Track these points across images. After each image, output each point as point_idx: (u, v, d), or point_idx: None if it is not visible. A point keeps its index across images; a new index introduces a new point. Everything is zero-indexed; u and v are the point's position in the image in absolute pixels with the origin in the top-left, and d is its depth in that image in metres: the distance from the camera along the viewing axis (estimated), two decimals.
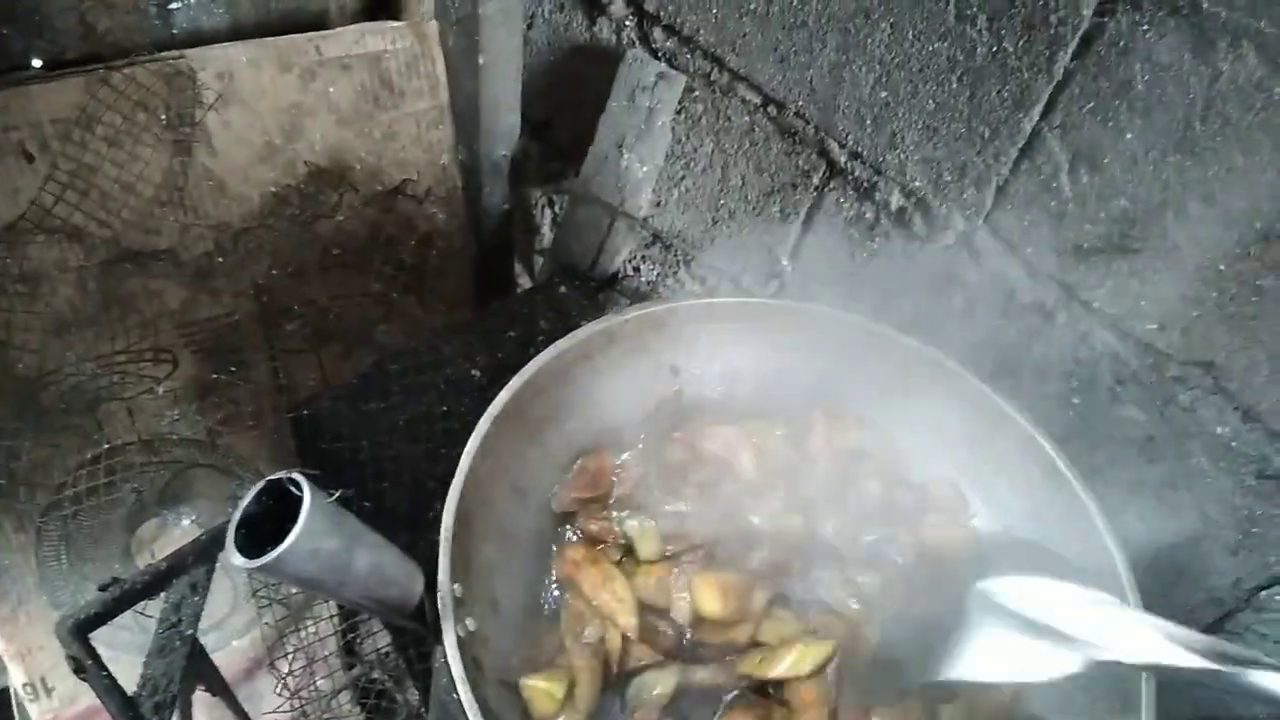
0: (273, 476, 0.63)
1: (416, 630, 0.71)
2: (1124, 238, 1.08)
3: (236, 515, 0.62)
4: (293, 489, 0.62)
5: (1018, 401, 0.95)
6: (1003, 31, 1.10)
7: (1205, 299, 1.04)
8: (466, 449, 0.80)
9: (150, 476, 1.48)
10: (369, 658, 1.50)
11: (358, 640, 1.51)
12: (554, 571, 0.89)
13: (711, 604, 0.85)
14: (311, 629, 1.47)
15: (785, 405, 1.02)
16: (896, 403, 1.00)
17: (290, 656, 1.42)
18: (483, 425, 0.82)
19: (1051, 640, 0.71)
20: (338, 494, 0.63)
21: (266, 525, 0.62)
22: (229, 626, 1.56)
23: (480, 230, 1.61)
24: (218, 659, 1.30)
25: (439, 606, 0.71)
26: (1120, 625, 0.72)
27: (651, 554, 0.88)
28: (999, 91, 1.12)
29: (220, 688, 1.29)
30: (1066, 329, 1.19)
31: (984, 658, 0.75)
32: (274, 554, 0.59)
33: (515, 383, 0.85)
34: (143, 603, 1.14)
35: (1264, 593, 1.19)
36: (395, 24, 1.42)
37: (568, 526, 0.93)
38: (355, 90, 1.40)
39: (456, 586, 0.73)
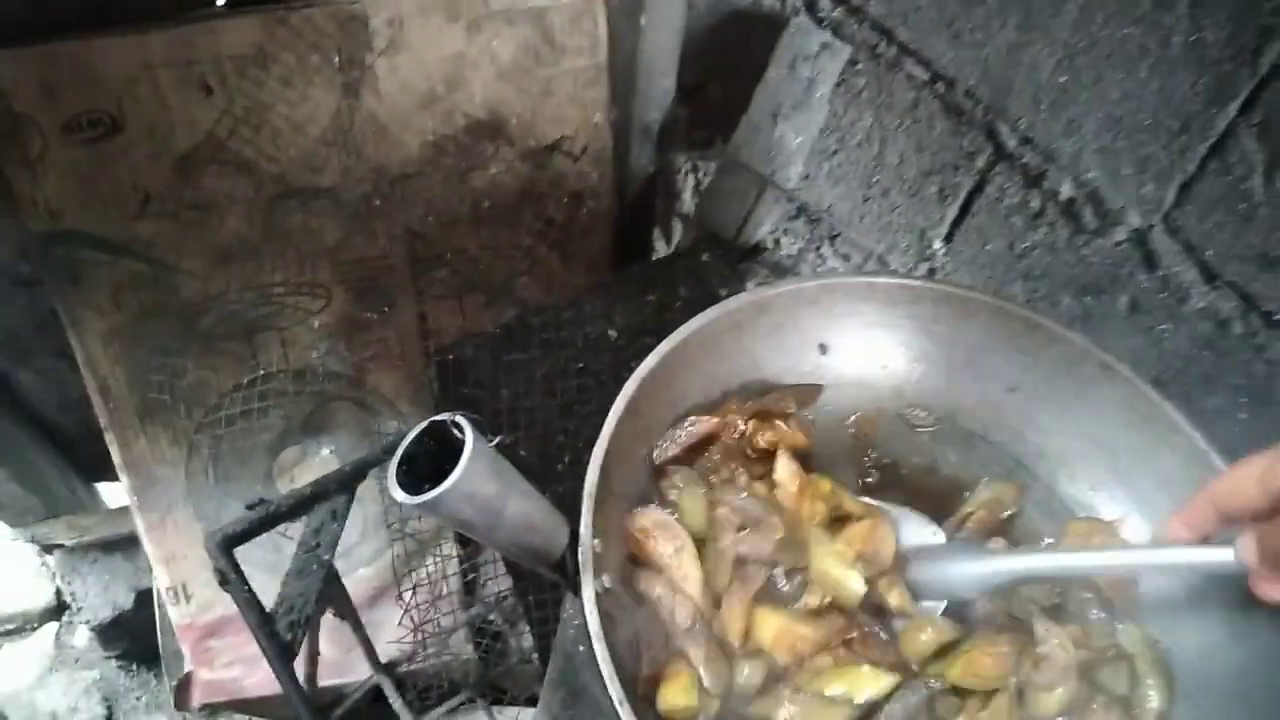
0: (437, 417, 0.64)
1: (558, 580, 0.72)
2: None
3: (399, 451, 0.64)
4: (455, 431, 0.63)
5: (1188, 413, 0.90)
6: (1204, 19, 1.02)
7: None
8: (614, 408, 0.80)
9: (297, 405, 1.54)
10: (488, 599, 1.55)
11: (479, 581, 1.56)
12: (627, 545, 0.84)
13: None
14: (435, 566, 1.52)
15: (933, 395, 0.99)
16: (1055, 402, 0.95)
17: (415, 589, 1.47)
18: (630, 386, 0.82)
19: None
20: (498, 439, 0.64)
21: (425, 463, 0.64)
22: (357, 555, 1.63)
23: (624, 192, 1.61)
24: (348, 585, 1.36)
25: (580, 560, 0.72)
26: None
27: (695, 526, 0.86)
28: (1194, 84, 1.05)
29: (348, 612, 1.34)
30: (1241, 340, 1.12)
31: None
32: (435, 492, 0.60)
33: (664, 347, 0.85)
34: (285, 525, 1.19)
35: None
36: None
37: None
38: (518, 44, 1.41)
39: (597, 542, 0.74)
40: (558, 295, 1.39)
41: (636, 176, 1.64)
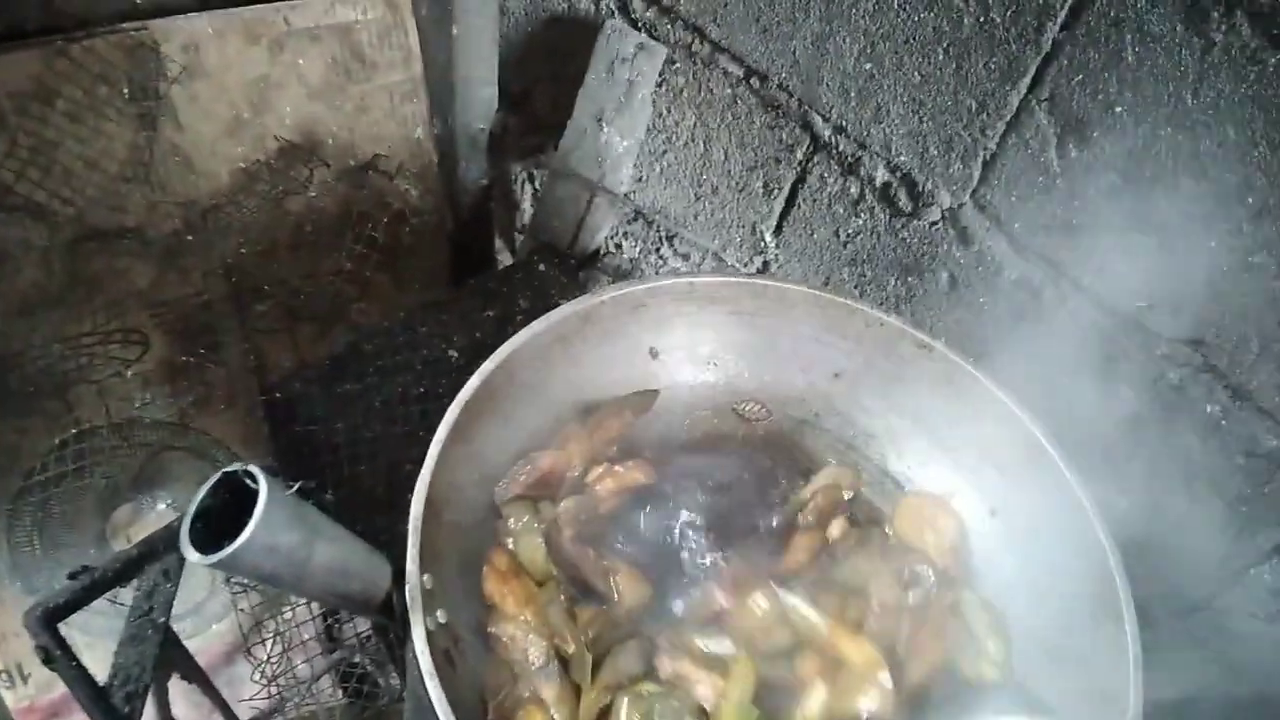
0: (229, 469, 0.60)
1: (384, 623, 0.69)
2: (1114, 214, 1.06)
3: (191, 509, 0.60)
4: (249, 482, 0.60)
5: (1002, 382, 0.93)
6: (990, 2, 1.06)
7: (1196, 276, 1.02)
8: (436, 436, 0.77)
9: (123, 461, 1.45)
10: (349, 641, 1.49)
11: (338, 624, 1.50)
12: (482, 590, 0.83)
13: None
14: (289, 614, 1.45)
15: (766, 389, 0.99)
16: (878, 384, 0.97)
17: (268, 642, 1.40)
18: (452, 412, 0.79)
19: None
20: (297, 485, 0.61)
21: (226, 518, 0.60)
22: (206, 612, 1.54)
23: (458, 206, 1.58)
24: (195, 645, 1.29)
25: (407, 598, 0.69)
26: None
27: (537, 573, 0.85)
28: (986, 64, 1.10)
29: (197, 675, 1.27)
30: (1054, 307, 1.17)
31: None
32: (229, 550, 0.57)
33: (487, 367, 0.83)
34: (114, 590, 1.12)
35: (1252, 570, 1.18)
36: None
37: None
38: (326, 62, 1.36)
39: (427, 577, 0.71)
40: (390, 318, 1.34)
41: (469, 189, 1.60)
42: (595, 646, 0.81)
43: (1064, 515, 0.88)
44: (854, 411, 0.99)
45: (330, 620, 1.52)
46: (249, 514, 0.58)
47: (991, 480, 0.93)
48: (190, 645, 1.22)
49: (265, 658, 1.34)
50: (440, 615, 0.73)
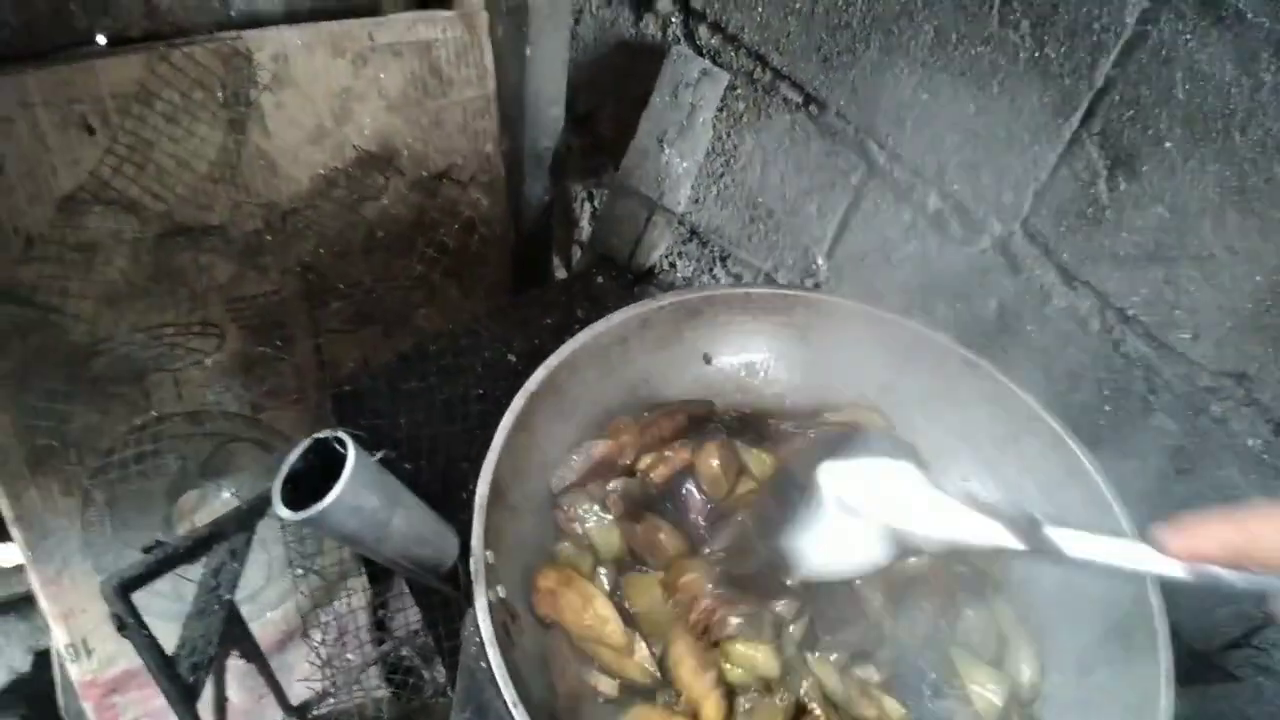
0: (320, 434, 0.65)
1: (449, 593, 0.74)
2: (1160, 246, 1.08)
3: (284, 469, 0.65)
4: (338, 447, 0.65)
5: (1047, 403, 0.96)
6: (1045, 37, 1.10)
7: (1240, 310, 1.04)
8: (502, 422, 0.82)
9: (194, 447, 1.52)
10: (399, 634, 1.53)
11: (388, 616, 1.55)
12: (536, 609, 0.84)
13: None
14: (344, 602, 1.51)
15: (811, 398, 1.03)
16: (925, 399, 1.01)
17: (323, 628, 1.46)
18: (518, 401, 0.84)
19: (871, 526, 0.74)
20: (381, 454, 0.66)
21: (311, 482, 0.65)
22: (263, 598, 1.60)
23: (520, 220, 1.64)
24: (252, 630, 1.34)
25: (472, 571, 0.74)
26: (926, 501, 0.74)
27: (612, 554, 0.88)
28: (1040, 97, 1.13)
29: (254, 654, 1.32)
30: (1100, 336, 1.19)
31: (823, 549, 0.77)
32: (319, 507, 0.62)
33: (552, 361, 0.88)
34: (183, 566, 1.18)
35: None
36: (446, 13, 1.45)
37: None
38: (405, 77, 1.43)
39: (489, 553, 0.75)
40: (454, 323, 1.40)
41: (532, 205, 1.67)
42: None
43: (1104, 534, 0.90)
44: (899, 426, 1.02)
45: (381, 613, 1.57)
46: (335, 480, 0.63)
47: (1033, 497, 0.96)
48: None
49: (320, 641, 1.39)
50: (500, 590, 0.77)
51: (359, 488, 0.62)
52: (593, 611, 0.84)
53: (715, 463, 0.91)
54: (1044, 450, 0.94)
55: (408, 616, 1.57)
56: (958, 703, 0.86)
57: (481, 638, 0.72)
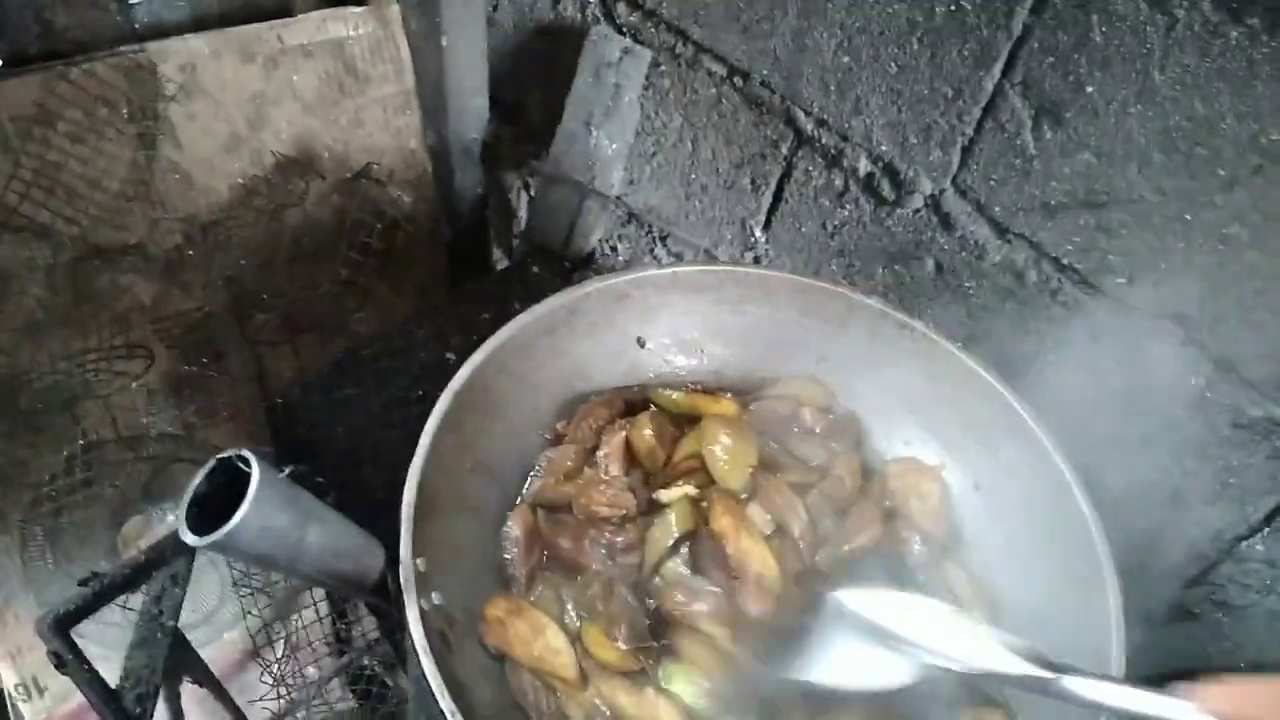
0: (222, 455, 0.63)
1: (380, 605, 0.71)
2: (1090, 192, 1.08)
3: (188, 494, 0.62)
4: (243, 466, 0.62)
5: (987, 361, 0.95)
6: None
7: (1173, 250, 1.04)
8: (427, 426, 0.80)
9: (131, 474, 1.48)
10: (358, 644, 1.51)
11: (346, 628, 1.52)
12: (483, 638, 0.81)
13: None
14: (299, 618, 1.48)
15: (749, 374, 1.01)
16: (863, 366, 0.99)
17: (278, 646, 1.43)
18: (443, 402, 0.81)
19: (892, 647, 0.72)
20: (289, 470, 0.63)
21: (223, 504, 0.62)
22: (218, 620, 1.57)
23: (454, 214, 1.61)
24: (208, 653, 1.31)
25: (401, 580, 0.71)
26: (951, 632, 0.72)
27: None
28: (959, 50, 1.12)
29: (207, 679, 1.29)
30: (1038, 288, 1.19)
31: (835, 663, 0.75)
32: (225, 529, 0.59)
33: (476, 358, 0.85)
34: (124, 596, 1.14)
35: (1244, 543, 1.19)
36: (357, 9, 1.41)
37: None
38: (319, 77, 1.39)
39: (420, 561, 0.73)
40: (388, 325, 1.37)
41: (465, 198, 1.63)
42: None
43: (1048, 488, 0.89)
44: (840, 395, 1.01)
45: (339, 624, 1.53)
46: (244, 499, 0.61)
47: (976, 456, 0.95)
48: (203, 654, 1.24)
49: (275, 659, 1.36)
50: (436, 598, 0.75)
51: (267, 506, 0.60)
52: (543, 642, 0.81)
53: (648, 433, 0.89)
54: (984, 408, 0.93)
55: (365, 628, 1.54)
56: None
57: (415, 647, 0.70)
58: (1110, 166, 1.05)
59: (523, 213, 1.82)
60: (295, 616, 1.47)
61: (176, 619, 1.14)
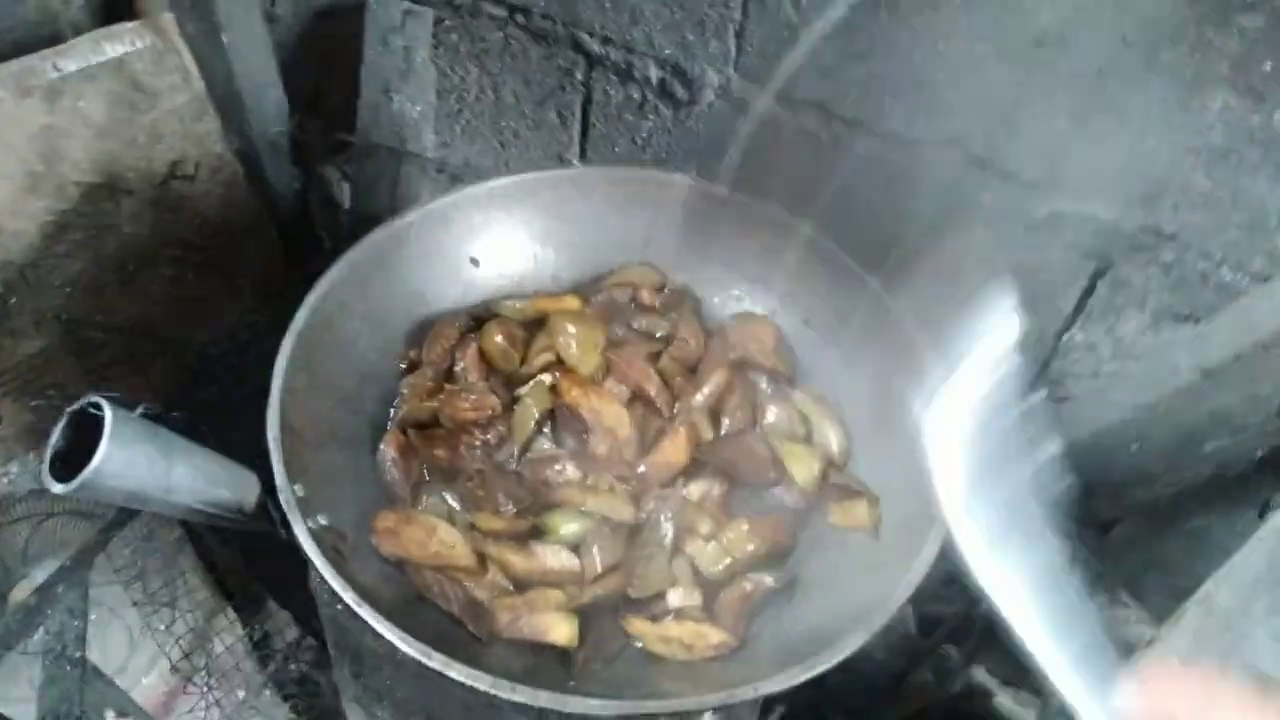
0: (74, 407, 0.64)
1: (266, 529, 0.74)
2: (853, 44, 1.17)
3: (49, 449, 0.64)
4: (97, 412, 0.64)
5: (794, 212, 1.02)
6: None
7: (935, 82, 1.14)
8: (276, 367, 0.82)
9: (6, 538, 1.43)
10: (281, 651, 1.51)
11: (266, 636, 1.51)
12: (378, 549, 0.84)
13: None
14: (219, 640, 1.47)
15: (584, 268, 1.07)
16: (688, 242, 1.06)
17: (201, 674, 1.42)
18: (287, 344, 0.84)
19: None
20: (142, 408, 0.65)
21: (87, 456, 0.64)
22: (134, 667, 1.53)
23: (277, 211, 1.61)
24: (135, 697, 1.29)
25: (283, 504, 0.74)
26: None
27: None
28: None
29: (133, 709, 1.28)
30: (833, 145, 1.27)
31: None
32: (88, 469, 0.61)
33: (311, 299, 0.88)
34: (22, 643, 1.12)
35: (1065, 336, 1.31)
36: (130, 24, 1.39)
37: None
38: (106, 99, 1.38)
39: (298, 486, 0.76)
40: (232, 323, 1.37)
41: (284, 194, 1.63)
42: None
43: (865, 308, 0.97)
44: (671, 272, 1.07)
45: (257, 638, 1.53)
46: None
47: (801, 296, 1.03)
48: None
49: (202, 687, 1.35)
50: (322, 518, 0.77)
51: (126, 444, 0.62)
52: (438, 539, 0.85)
53: (499, 338, 0.94)
54: (799, 252, 1.01)
55: (285, 635, 1.54)
56: (785, 486, 0.92)
57: (313, 563, 0.73)
58: (864, 14, 1.14)
59: (346, 203, 1.82)
60: (214, 641, 1.46)
61: (83, 649, 1.13)
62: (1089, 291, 1.26)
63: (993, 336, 0.55)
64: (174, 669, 1.45)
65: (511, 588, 0.83)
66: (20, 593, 1.47)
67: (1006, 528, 0.52)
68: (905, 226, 1.25)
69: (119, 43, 1.39)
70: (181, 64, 1.43)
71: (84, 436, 0.64)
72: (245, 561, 1.44)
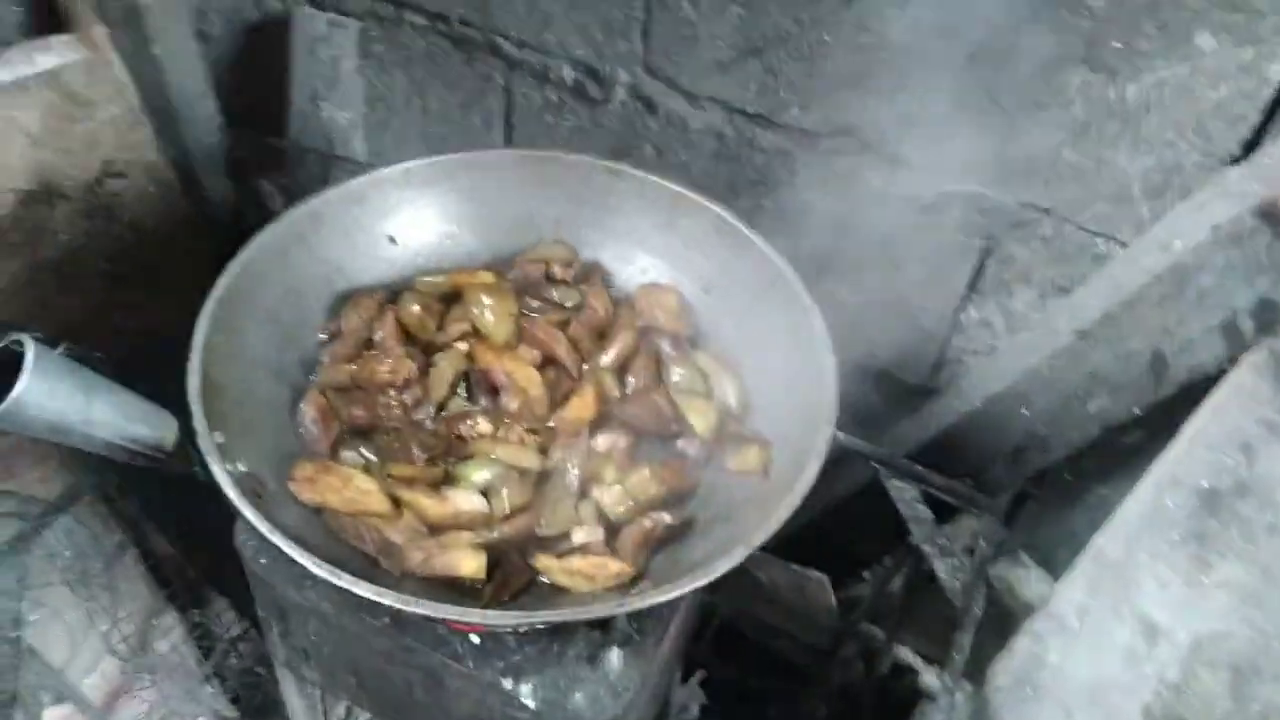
0: None
1: (184, 469, 0.79)
2: (748, 40, 1.25)
3: None
4: (19, 349, 0.69)
5: (689, 185, 1.10)
6: None
7: (829, 72, 1.22)
8: (197, 325, 0.87)
9: None
10: (221, 646, 1.53)
11: (208, 634, 1.54)
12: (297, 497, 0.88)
13: None
14: (163, 643, 1.49)
15: (503, 250, 1.13)
16: (594, 217, 1.13)
17: (144, 671, 1.44)
18: (208, 306, 0.89)
19: None
20: (63, 346, 0.70)
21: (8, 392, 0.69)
22: (76, 668, 1.55)
23: (213, 222, 1.66)
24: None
25: (203, 451, 0.78)
26: None
27: None
28: None
29: (70, 693, 1.30)
30: (736, 141, 1.35)
31: None
32: (10, 398, 0.66)
33: (233, 268, 0.93)
34: None
35: (962, 314, 1.39)
36: (64, 37, 1.44)
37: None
38: (42, 110, 1.42)
39: (217, 434, 0.81)
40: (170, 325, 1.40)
41: (219, 203, 1.68)
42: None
43: (760, 275, 1.04)
44: (581, 248, 1.14)
45: (198, 633, 1.55)
46: None
47: (701, 266, 1.10)
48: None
49: (145, 683, 1.38)
50: (241, 465, 0.82)
51: (47, 378, 0.67)
52: (354, 487, 0.90)
53: (415, 309, 1.00)
54: (696, 223, 1.08)
55: (229, 629, 1.57)
56: (686, 437, 0.99)
57: (233, 505, 0.78)
58: (756, 12, 1.23)
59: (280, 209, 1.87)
60: (157, 636, 1.48)
61: (19, 629, 1.16)
62: (980, 270, 1.35)
63: None
64: (119, 661, 1.47)
65: (426, 531, 0.88)
66: None
67: None
68: (809, 216, 1.34)
69: (53, 55, 1.44)
70: (114, 76, 1.48)
71: (8, 379, 0.69)
72: (186, 554, 1.47)
